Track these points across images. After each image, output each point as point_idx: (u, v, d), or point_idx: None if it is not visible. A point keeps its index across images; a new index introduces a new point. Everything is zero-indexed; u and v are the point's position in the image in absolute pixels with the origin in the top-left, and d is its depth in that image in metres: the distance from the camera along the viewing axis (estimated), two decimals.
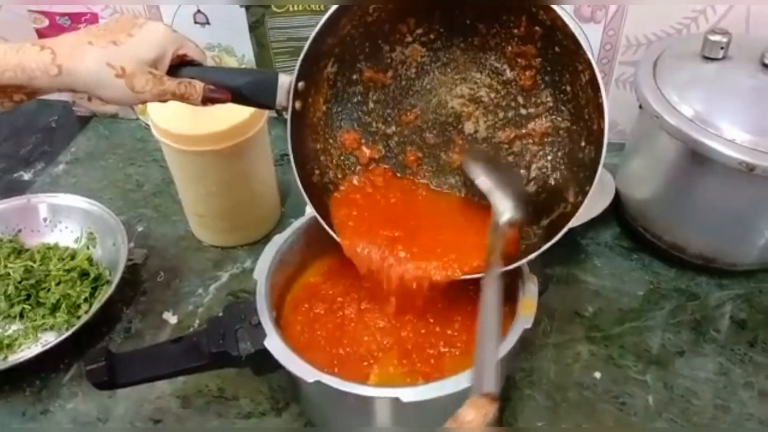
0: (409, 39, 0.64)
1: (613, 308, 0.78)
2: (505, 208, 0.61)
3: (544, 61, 0.61)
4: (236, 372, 0.67)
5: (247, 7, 0.94)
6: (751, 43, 0.75)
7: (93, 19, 1.01)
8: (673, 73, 0.75)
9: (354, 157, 0.69)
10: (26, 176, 1.02)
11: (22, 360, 0.69)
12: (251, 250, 0.86)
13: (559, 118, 0.63)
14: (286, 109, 0.60)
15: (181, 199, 0.86)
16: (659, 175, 0.79)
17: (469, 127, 0.67)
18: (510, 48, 0.62)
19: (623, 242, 0.86)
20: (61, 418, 0.68)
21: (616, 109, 0.97)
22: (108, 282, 0.79)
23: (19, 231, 0.85)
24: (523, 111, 0.64)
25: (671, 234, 0.80)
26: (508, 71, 0.64)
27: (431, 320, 0.65)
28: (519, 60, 0.62)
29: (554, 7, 0.53)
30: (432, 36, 0.64)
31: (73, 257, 0.81)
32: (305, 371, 0.54)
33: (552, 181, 0.64)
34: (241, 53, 1.04)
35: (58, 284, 0.77)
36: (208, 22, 1.01)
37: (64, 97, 1.14)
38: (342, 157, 0.69)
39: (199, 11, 1.00)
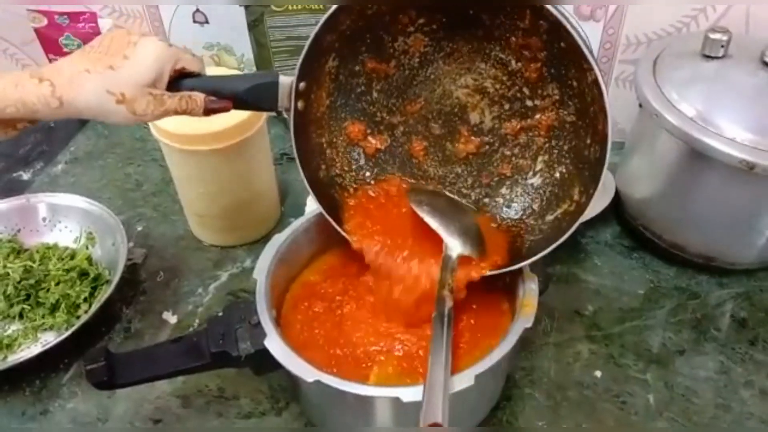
0: (411, 29, 0.63)
1: (614, 307, 0.77)
2: (453, 245, 0.62)
3: (550, 55, 0.60)
4: (236, 372, 0.67)
5: (246, 6, 0.94)
6: (752, 42, 0.75)
7: (92, 18, 1.00)
8: (673, 72, 0.75)
9: (360, 148, 0.69)
10: (25, 176, 1.02)
11: (21, 360, 0.69)
12: (251, 249, 0.86)
13: (565, 112, 0.62)
14: (288, 110, 0.60)
15: (181, 199, 0.86)
16: (659, 174, 0.79)
17: (474, 117, 0.67)
18: (515, 39, 0.60)
19: (623, 241, 0.86)
20: (60, 418, 0.68)
21: (616, 108, 0.96)
22: (107, 282, 0.79)
23: (19, 231, 0.85)
24: (529, 102, 0.64)
25: (671, 233, 0.80)
26: (513, 62, 0.62)
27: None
28: (524, 52, 0.61)
29: (556, 15, 0.52)
30: (434, 26, 0.63)
31: (72, 257, 0.81)
32: (305, 371, 0.54)
33: (557, 175, 0.64)
34: (240, 52, 1.04)
35: (57, 284, 0.77)
36: (207, 21, 1.02)
37: None
38: (348, 149, 0.68)
39: (198, 10, 1.01)
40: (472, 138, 0.68)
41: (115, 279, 0.75)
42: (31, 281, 0.77)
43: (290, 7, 0.92)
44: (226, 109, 0.57)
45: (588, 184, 0.59)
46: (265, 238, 0.85)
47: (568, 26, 0.51)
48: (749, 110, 0.69)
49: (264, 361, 0.57)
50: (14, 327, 0.76)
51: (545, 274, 0.65)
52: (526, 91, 0.63)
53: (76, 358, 0.73)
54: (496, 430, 0.65)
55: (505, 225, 0.68)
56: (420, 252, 0.64)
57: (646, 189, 0.82)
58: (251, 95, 0.58)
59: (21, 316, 0.76)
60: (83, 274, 0.79)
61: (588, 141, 0.59)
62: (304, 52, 0.57)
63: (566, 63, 0.59)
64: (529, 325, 0.57)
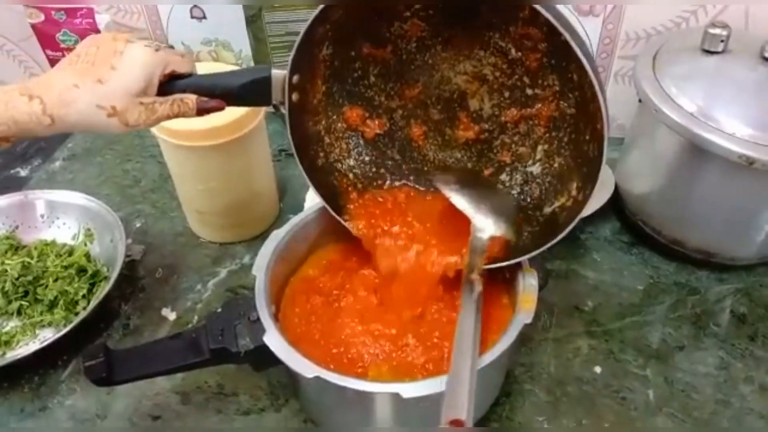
0: (408, 14, 0.61)
1: (613, 303, 0.77)
2: (484, 226, 0.61)
3: (551, 46, 0.59)
4: (235, 368, 0.67)
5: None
6: (751, 37, 0.74)
7: (89, 14, 1.00)
8: (673, 67, 0.75)
9: (359, 132, 0.68)
10: (23, 172, 1.02)
11: (20, 357, 0.68)
12: (249, 246, 0.86)
13: (566, 104, 0.61)
14: (282, 103, 0.59)
15: (179, 195, 0.86)
16: (659, 170, 0.78)
17: (473, 104, 0.66)
18: (515, 29, 0.59)
19: (623, 237, 0.86)
20: (59, 414, 0.68)
21: (615, 104, 0.97)
22: (106, 278, 0.78)
23: (16, 227, 0.85)
24: (529, 91, 0.63)
25: (671, 228, 0.80)
26: (513, 51, 0.61)
27: (431, 316, 0.65)
28: (525, 42, 0.59)
29: (552, 21, 0.50)
30: (431, 11, 0.61)
31: (70, 253, 0.81)
32: (304, 367, 0.54)
33: (557, 165, 0.64)
34: (238, 48, 1.04)
35: (55, 281, 0.77)
36: (204, 17, 1.01)
37: None
38: (347, 134, 0.68)
39: (195, 6, 1.00)
40: (472, 124, 0.67)
41: (114, 276, 0.75)
42: (29, 278, 0.77)
43: (289, 3, 0.92)
44: (219, 108, 0.57)
45: (585, 181, 0.59)
46: (264, 235, 0.84)
47: (563, 32, 0.49)
48: (749, 105, 0.69)
49: (263, 357, 0.57)
50: (12, 323, 0.76)
51: (544, 270, 0.64)
52: (526, 79, 0.62)
53: (75, 355, 0.73)
54: (495, 427, 0.65)
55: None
56: (423, 237, 0.65)
57: (645, 184, 0.82)
58: (244, 92, 0.57)
59: (19, 312, 0.76)
60: (81, 270, 0.79)
61: (587, 137, 0.59)
62: (295, 46, 0.57)
63: (567, 56, 0.57)
64: (529, 320, 0.56)
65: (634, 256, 0.83)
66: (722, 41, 0.73)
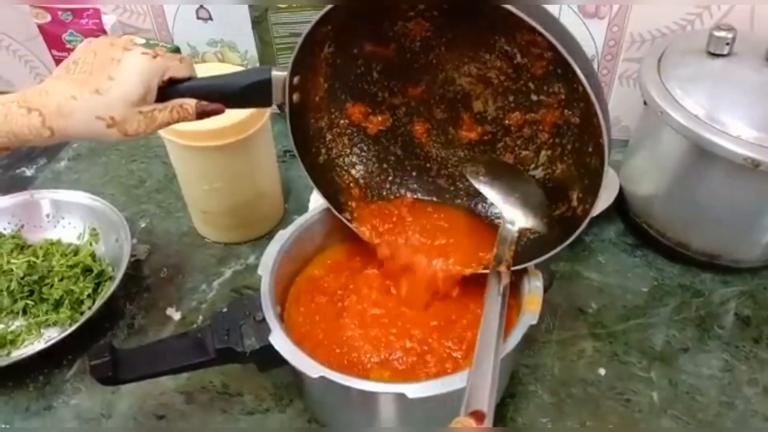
0: (412, 13, 0.61)
1: (617, 305, 0.77)
2: (514, 218, 0.61)
3: (557, 55, 0.57)
4: (240, 368, 0.67)
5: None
6: (757, 39, 0.74)
7: (96, 14, 1.00)
8: (678, 69, 0.75)
9: (362, 128, 0.68)
10: (28, 172, 1.02)
11: (25, 356, 0.69)
12: (254, 246, 0.86)
13: (570, 113, 0.60)
14: (283, 104, 0.59)
15: (184, 196, 0.86)
16: (663, 172, 0.78)
17: (477, 105, 0.65)
18: (520, 35, 0.58)
19: (627, 239, 0.86)
20: (64, 413, 0.68)
21: (620, 106, 0.98)
22: (111, 278, 0.79)
23: (22, 227, 0.85)
24: (534, 97, 0.62)
25: (675, 230, 0.80)
26: (519, 56, 0.60)
27: (435, 317, 0.65)
28: (531, 48, 0.58)
29: (555, 43, 0.48)
30: (435, 12, 0.60)
31: (76, 253, 0.81)
32: (310, 367, 0.54)
33: (559, 171, 0.63)
34: (244, 49, 1.04)
35: (61, 280, 0.77)
36: (210, 18, 1.01)
37: None
38: (349, 129, 0.68)
39: (201, 7, 1.00)
40: (475, 126, 0.66)
41: (119, 275, 0.75)
42: (35, 277, 0.77)
43: (294, 5, 0.92)
44: (219, 112, 0.57)
45: (587, 192, 0.58)
46: (269, 235, 0.85)
47: (568, 57, 0.48)
48: (754, 108, 0.69)
49: (269, 357, 0.57)
50: (18, 323, 0.76)
51: (549, 272, 0.65)
52: (531, 85, 0.61)
53: (80, 354, 0.73)
54: (500, 428, 0.65)
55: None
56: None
57: (650, 186, 0.82)
58: (244, 94, 0.57)
59: (24, 311, 0.76)
60: (87, 270, 0.79)
61: (590, 149, 0.58)
62: (296, 49, 0.56)
63: (572, 68, 0.56)
64: (534, 322, 0.56)
65: (638, 258, 0.83)
66: (728, 44, 0.73)
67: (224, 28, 1.02)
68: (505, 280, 0.57)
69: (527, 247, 0.63)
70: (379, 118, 0.68)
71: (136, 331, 0.76)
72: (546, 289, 0.61)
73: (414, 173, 0.71)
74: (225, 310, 0.61)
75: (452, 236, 0.68)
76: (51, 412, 0.69)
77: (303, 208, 0.81)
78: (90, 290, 0.77)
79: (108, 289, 0.75)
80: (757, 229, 0.75)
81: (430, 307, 0.65)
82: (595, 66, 0.93)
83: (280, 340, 0.56)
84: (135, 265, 0.84)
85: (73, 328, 0.70)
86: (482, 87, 0.64)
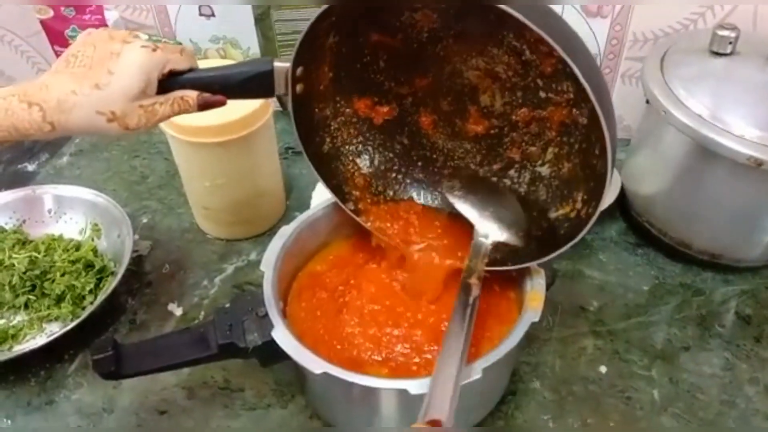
0: (419, 4, 0.60)
1: (619, 303, 0.78)
2: (488, 231, 0.61)
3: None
4: (241, 364, 0.67)
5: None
6: (759, 39, 0.75)
7: (98, 10, 1.00)
8: (681, 68, 0.75)
9: (368, 118, 0.68)
10: (30, 167, 1.02)
11: (27, 350, 0.69)
12: (256, 242, 0.86)
13: (578, 113, 0.59)
14: (285, 95, 0.59)
15: (186, 192, 0.86)
16: (666, 171, 0.78)
17: (485, 99, 0.64)
18: (528, 32, 0.54)
19: (629, 237, 0.86)
20: (65, 408, 0.68)
21: (622, 105, 0.98)
22: (113, 273, 0.79)
23: (24, 222, 0.85)
24: (542, 94, 0.61)
25: (677, 229, 0.80)
26: (527, 52, 0.59)
27: (436, 315, 0.65)
28: (539, 46, 0.57)
29: (559, 52, 0.47)
30: (443, 4, 0.60)
31: (77, 248, 0.81)
32: (312, 362, 0.54)
33: (565, 170, 0.63)
34: (247, 45, 1.04)
35: (62, 275, 0.77)
36: (213, 15, 1.01)
37: None
38: (354, 118, 0.67)
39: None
40: (482, 119, 0.66)
41: (121, 271, 0.75)
42: (37, 272, 0.77)
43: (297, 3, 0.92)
44: (221, 103, 0.57)
45: (591, 195, 0.58)
46: (270, 232, 0.85)
47: (577, 72, 0.47)
48: (757, 107, 0.69)
49: (271, 353, 0.57)
50: (19, 317, 0.76)
51: (551, 270, 0.65)
52: (539, 82, 0.60)
53: (82, 349, 0.73)
54: (500, 425, 0.66)
55: None
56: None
57: (652, 185, 0.82)
58: (246, 85, 0.57)
59: (26, 306, 0.76)
60: (89, 265, 0.79)
61: (596, 151, 0.57)
62: (299, 41, 0.55)
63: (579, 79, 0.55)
64: (536, 319, 0.57)
65: (639, 256, 0.84)
66: (731, 43, 0.73)
67: (227, 25, 1.02)
68: (476, 291, 0.57)
69: (530, 247, 0.63)
70: (386, 108, 0.67)
71: (138, 327, 0.76)
72: (548, 287, 0.61)
73: (420, 163, 0.70)
74: (228, 305, 0.61)
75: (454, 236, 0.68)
76: (52, 406, 0.69)
77: (304, 206, 0.81)
78: (92, 285, 0.77)
79: (110, 285, 0.75)
80: (759, 228, 0.76)
81: (437, 301, 0.65)
82: (597, 62, 0.93)
83: (282, 336, 0.56)
84: (137, 260, 0.84)
85: (75, 323, 0.70)
86: (490, 81, 0.63)
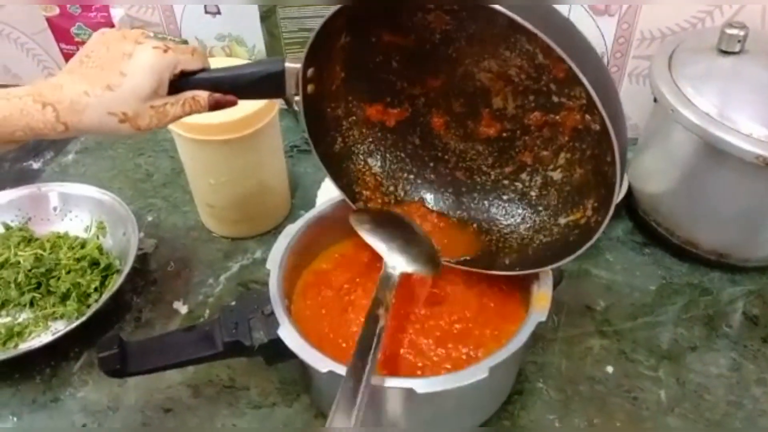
0: (431, 6, 0.59)
1: (625, 303, 0.77)
2: (396, 263, 0.61)
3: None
4: (246, 362, 0.67)
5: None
6: None
7: (104, 8, 1.00)
8: (689, 67, 0.74)
9: (381, 122, 0.68)
10: (35, 165, 1.02)
11: (32, 348, 0.69)
12: (261, 241, 0.86)
13: (591, 119, 0.59)
14: (296, 95, 0.59)
15: (192, 190, 0.86)
16: (673, 170, 0.78)
17: (497, 102, 0.64)
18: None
19: (635, 237, 0.86)
20: (71, 406, 0.68)
21: (629, 104, 0.96)
22: (118, 271, 0.79)
23: (29, 219, 0.85)
24: (554, 98, 0.60)
25: (684, 229, 0.80)
26: (540, 56, 0.58)
27: (439, 316, 0.65)
28: (551, 51, 0.54)
29: (568, 61, 0.47)
30: (456, 6, 0.59)
31: (83, 246, 0.81)
32: (318, 361, 0.54)
33: (577, 176, 0.62)
34: (252, 43, 1.04)
35: (68, 273, 0.77)
36: (218, 12, 1.01)
37: None
38: (366, 118, 0.67)
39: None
40: (494, 122, 0.65)
41: (126, 269, 0.75)
42: (42, 270, 0.77)
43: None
44: (232, 103, 0.57)
45: (601, 203, 0.58)
46: (275, 230, 0.85)
47: (587, 85, 0.47)
48: (766, 106, 0.68)
49: (277, 351, 0.57)
50: (25, 315, 0.76)
51: (558, 270, 0.64)
52: (552, 86, 0.60)
53: (87, 347, 0.73)
54: (506, 425, 0.65)
55: (519, 217, 0.67)
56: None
57: (659, 184, 0.82)
58: (257, 86, 0.57)
59: (32, 304, 0.76)
60: (94, 263, 0.79)
61: (608, 158, 0.55)
62: (310, 41, 0.55)
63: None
64: (543, 318, 0.56)
65: (646, 256, 0.83)
66: (739, 41, 0.72)
67: (232, 23, 1.02)
68: (381, 322, 0.56)
69: (538, 252, 0.63)
70: (398, 110, 0.67)
71: (143, 325, 0.76)
72: (555, 287, 0.61)
73: (431, 164, 0.70)
74: (233, 303, 0.61)
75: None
76: (58, 404, 0.69)
77: (310, 204, 0.81)
78: (97, 283, 0.77)
79: (115, 283, 0.75)
80: (767, 227, 0.75)
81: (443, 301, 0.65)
82: (605, 63, 0.93)
83: (288, 334, 0.56)
84: (142, 258, 0.84)
85: (80, 321, 0.70)
86: (502, 84, 0.63)
